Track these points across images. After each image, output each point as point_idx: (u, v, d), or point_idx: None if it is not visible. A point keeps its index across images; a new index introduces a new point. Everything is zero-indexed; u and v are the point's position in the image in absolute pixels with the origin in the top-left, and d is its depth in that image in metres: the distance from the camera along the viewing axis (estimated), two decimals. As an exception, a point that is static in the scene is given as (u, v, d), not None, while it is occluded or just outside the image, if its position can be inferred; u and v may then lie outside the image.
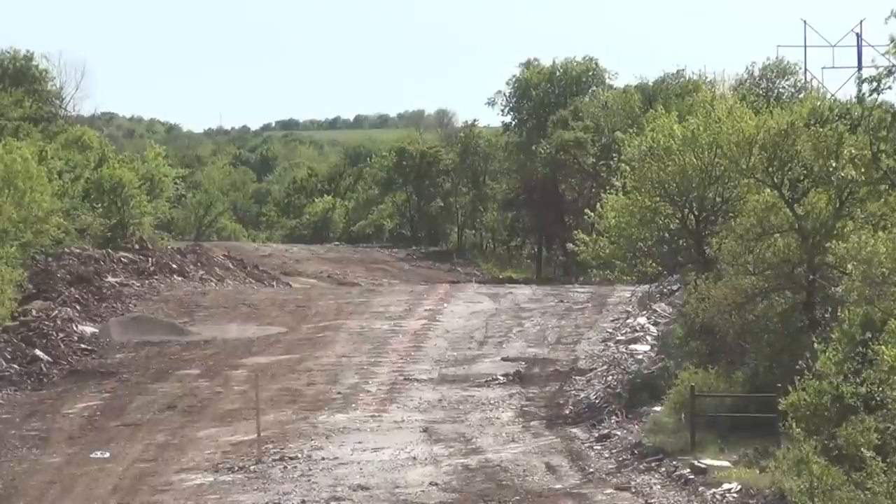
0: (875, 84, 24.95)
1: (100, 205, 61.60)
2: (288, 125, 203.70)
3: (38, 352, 39.76)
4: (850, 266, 26.33)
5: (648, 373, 33.59)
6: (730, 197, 36.31)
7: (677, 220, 37.58)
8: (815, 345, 24.54)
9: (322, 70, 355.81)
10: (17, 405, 35.29)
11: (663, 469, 26.42)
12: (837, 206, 29.47)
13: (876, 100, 25.75)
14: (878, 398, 21.93)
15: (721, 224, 34.85)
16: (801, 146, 30.35)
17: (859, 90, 26.12)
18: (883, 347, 22.04)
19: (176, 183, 74.63)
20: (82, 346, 41.79)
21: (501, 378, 36.32)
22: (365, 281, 66.60)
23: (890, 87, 25.28)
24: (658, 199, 37.07)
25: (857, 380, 22.54)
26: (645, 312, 43.25)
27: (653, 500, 24.72)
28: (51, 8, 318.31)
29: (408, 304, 49.61)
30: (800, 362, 24.49)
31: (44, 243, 49.76)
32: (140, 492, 26.33)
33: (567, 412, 32.57)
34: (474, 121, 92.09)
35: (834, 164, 28.72)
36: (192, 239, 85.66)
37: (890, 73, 24.96)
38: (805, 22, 70.29)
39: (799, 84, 70.61)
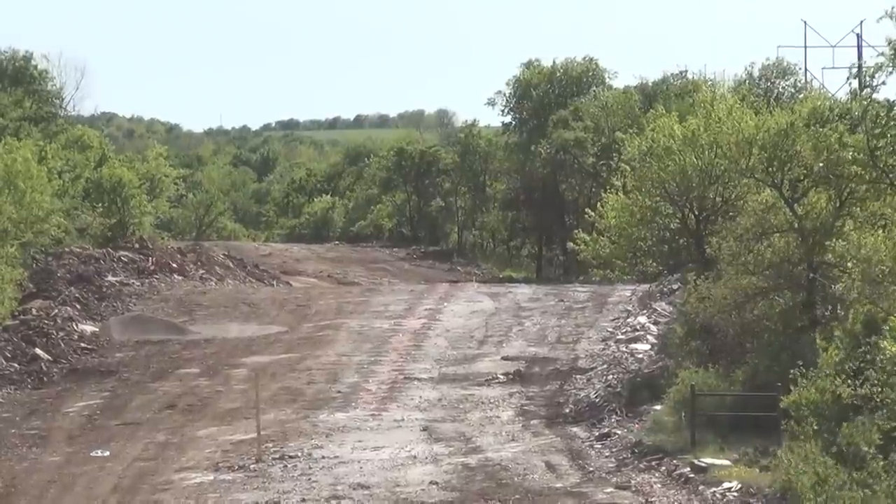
0: (871, 74, 24.97)
1: (100, 204, 61.60)
2: (288, 125, 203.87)
3: (38, 351, 39.75)
4: (849, 264, 26.36)
5: (649, 372, 33.59)
6: (730, 197, 36.37)
7: (677, 220, 37.63)
8: (818, 341, 24.54)
9: (322, 70, 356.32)
10: (17, 404, 35.28)
11: (663, 468, 26.42)
12: (837, 205, 29.48)
13: (870, 93, 25.79)
14: (878, 399, 21.90)
15: (721, 224, 34.86)
16: (801, 146, 30.35)
17: (860, 80, 26.13)
18: (885, 342, 22.03)
19: (176, 183, 74.65)
20: (82, 344, 41.77)
21: (501, 377, 36.30)
22: (365, 280, 66.57)
23: (884, 83, 25.34)
24: (658, 198, 37.12)
25: (858, 381, 22.50)
26: (645, 312, 43.22)
27: (653, 499, 24.71)
28: (51, 8, 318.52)
29: (408, 303, 49.59)
30: (799, 363, 24.47)
31: (44, 243, 49.76)
32: (140, 491, 26.32)
33: (567, 411, 32.55)
34: (474, 121, 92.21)
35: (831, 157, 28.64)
36: (193, 239, 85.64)
37: (880, 68, 24.99)
38: (805, 22, 70.21)
39: (799, 84, 70.60)
